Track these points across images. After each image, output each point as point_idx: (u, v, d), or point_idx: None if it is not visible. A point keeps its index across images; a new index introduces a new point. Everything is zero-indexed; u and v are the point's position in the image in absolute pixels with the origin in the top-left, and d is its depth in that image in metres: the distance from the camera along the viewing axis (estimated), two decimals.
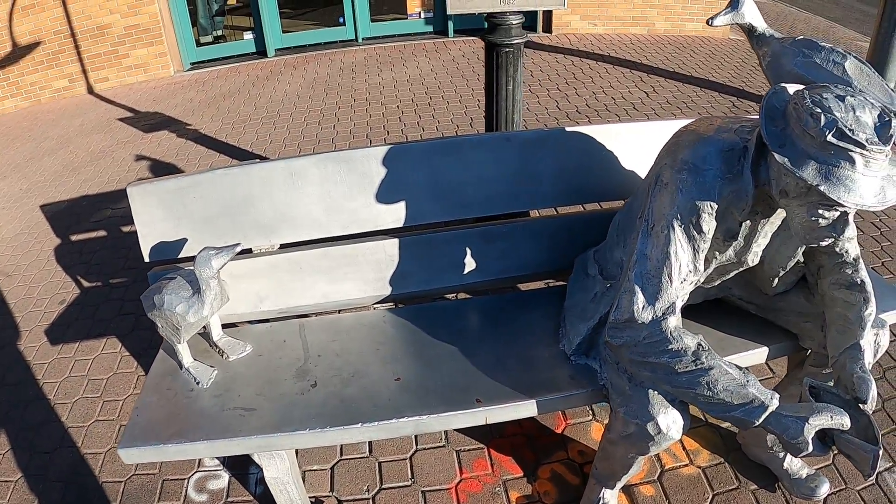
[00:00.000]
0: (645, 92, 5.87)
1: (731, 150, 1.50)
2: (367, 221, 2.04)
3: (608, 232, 2.03)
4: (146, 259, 2.10)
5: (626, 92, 5.83)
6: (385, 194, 2.01)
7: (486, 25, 2.69)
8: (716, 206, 1.50)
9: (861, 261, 1.69)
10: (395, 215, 2.04)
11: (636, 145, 2.15)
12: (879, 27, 5.26)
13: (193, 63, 7.37)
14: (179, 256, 2.11)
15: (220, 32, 7.83)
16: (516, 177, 2.06)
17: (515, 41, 2.61)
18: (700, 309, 2.01)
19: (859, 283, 1.66)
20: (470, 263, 2.13)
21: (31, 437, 2.65)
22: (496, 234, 2.12)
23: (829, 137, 1.26)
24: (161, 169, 4.88)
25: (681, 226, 1.54)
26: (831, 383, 1.62)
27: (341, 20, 7.51)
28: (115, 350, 3.11)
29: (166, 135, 5.56)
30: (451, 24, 7.55)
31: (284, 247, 2.14)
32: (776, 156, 1.33)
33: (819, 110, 1.28)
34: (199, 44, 7.47)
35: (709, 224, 1.54)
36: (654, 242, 1.58)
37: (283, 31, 7.54)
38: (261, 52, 7.46)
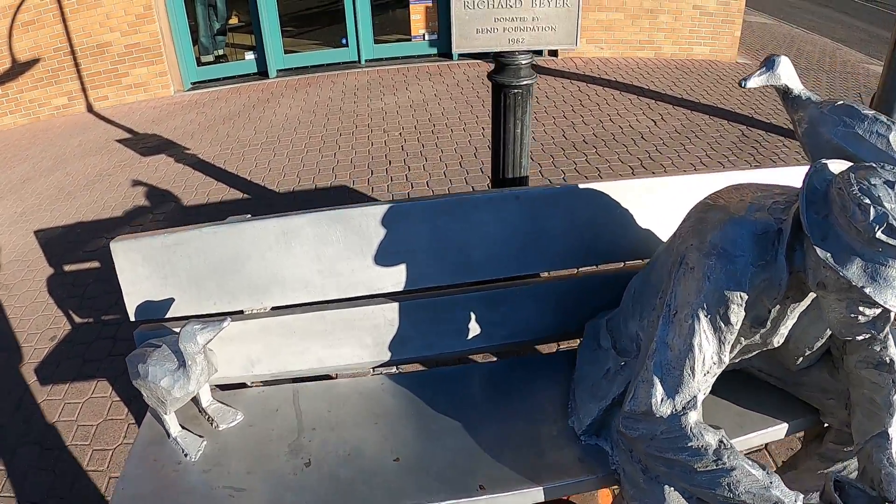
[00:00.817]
0: (653, 120, 5.77)
1: (764, 233, 1.37)
2: (365, 284, 1.93)
3: (622, 299, 1.91)
4: (131, 318, 1.98)
5: (633, 120, 5.73)
6: (384, 256, 1.89)
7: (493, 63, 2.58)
8: (746, 297, 1.38)
9: (890, 337, 1.57)
10: (394, 278, 1.93)
11: (651, 202, 2.04)
12: (893, 55, 5.13)
13: (194, 83, 7.29)
14: (167, 317, 1.99)
15: (221, 52, 7.76)
16: (524, 237, 1.95)
17: (524, 82, 2.50)
18: (717, 379, 1.89)
19: (888, 362, 1.53)
20: (473, 328, 2.01)
21: (18, 484, 2.53)
22: (500, 298, 2.00)
23: (879, 234, 1.14)
24: (158, 196, 4.77)
25: (707, 316, 1.42)
26: (853, 464, 1.50)
27: (344, 41, 7.44)
28: (105, 394, 3.00)
29: (164, 159, 5.47)
30: None
31: (277, 308, 2.02)
32: (818, 250, 1.21)
33: (867, 201, 1.16)
34: (200, 63, 7.40)
35: (737, 315, 1.41)
36: (677, 331, 1.46)
37: (286, 52, 7.46)
38: (262, 72, 7.38)
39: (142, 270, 1.94)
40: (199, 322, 1.64)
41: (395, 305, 1.96)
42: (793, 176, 2.11)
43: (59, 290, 3.81)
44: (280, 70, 7.40)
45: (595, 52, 7.56)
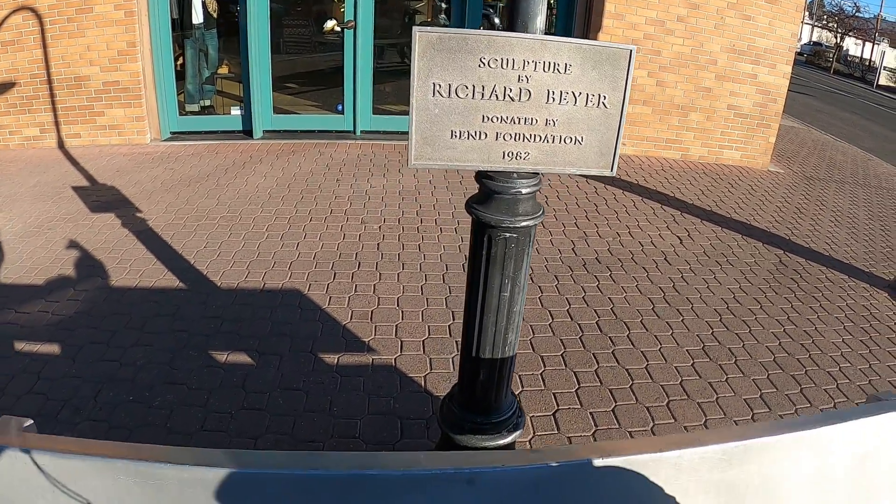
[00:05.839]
0: (678, 237, 4.93)
1: None
2: None
3: None
4: None
5: (655, 236, 4.89)
6: None
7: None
8: None
9: None
10: None
11: (724, 487, 1.14)
12: None
13: (174, 132, 6.58)
14: None
15: (208, 102, 7.10)
16: None
17: (523, 223, 1.64)
18: None
19: None
20: None
21: None
22: None
23: None
24: (87, 267, 3.99)
25: None
26: None
27: (340, 108, 6.70)
28: None
29: (111, 220, 4.69)
30: None
31: None
32: None
33: None
34: (183, 111, 6.69)
35: None
36: None
37: (276, 111, 6.74)
38: (247, 131, 6.64)
39: None
40: None
41: None
42: None
43: None
44: (266, 131, 6.65)
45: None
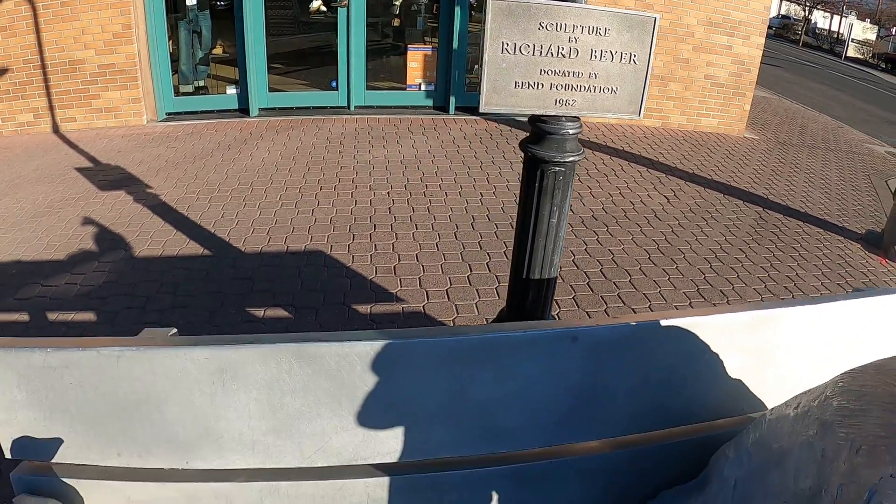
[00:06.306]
0: (665, 197, 5.26)
1: None
2: (341, 452, 1.29)
3: (706, 484, 1.33)
4: (6, 454, 1.33)
5: (644, 196, 5.21)
6: (372, 414, 1.26)
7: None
8: None
9: None
10: (386, 446, 1.29)
11: (752, 345, 1.45)
12: None
13: (169, 113, 6.70)
14: (55, 461, 1.34)
15: (202, 83, 7.21)
16: (578, 396, 1.33)
17: (570, 158, 1.92)
18: None
19: None
20: None
21: None
22: (536, 474, 1.38)
23: None
24: (107, 240, 4.11)
25: None
26: None
27: (334, 84, 6.90)
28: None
29: (122, 196, 4.83)
30: (452, 101, 6.96)
31: (209, 471, 1.36)
32: None
33: None
34: (178, 92, 6.82)
35: None
36: None
37: (270, 90, 6.90)
38: (243, 109, 6.81)
39: (18, 395, 1.29)
40: None
41: (385, 481, 1.32)
42: None
43: None
44: (262, 109, 6.83)
45: (600, 118, 7.10)
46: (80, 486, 1.35)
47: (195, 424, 1.29)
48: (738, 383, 1.49)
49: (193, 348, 1.23)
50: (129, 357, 1.25)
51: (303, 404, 1.25)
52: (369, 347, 1.25)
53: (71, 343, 1.29)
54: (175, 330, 1.57)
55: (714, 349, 1.41)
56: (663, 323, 1.34)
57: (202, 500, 1.35)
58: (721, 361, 1.44)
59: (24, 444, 1.33)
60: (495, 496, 1.37)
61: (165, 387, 1.26)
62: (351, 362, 1.26)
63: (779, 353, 1.48)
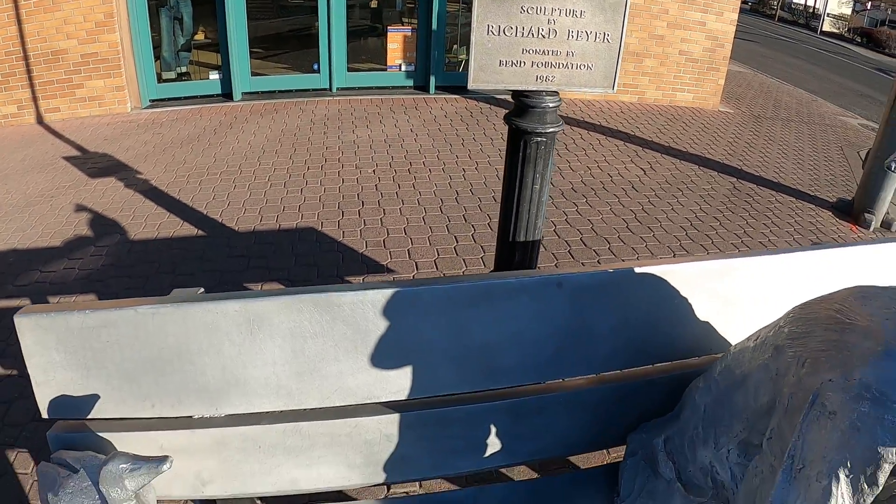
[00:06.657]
0: (642, 169, 5.45)
1: None
2: (356, 391, 1.45)
3: (681, 413, 1.51)
4: (43, 414, 1.47)
5: (622, 168, 5.39)
6: (384, 356, 1.42)
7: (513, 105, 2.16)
8: None
9: None
10: (396, 384, 1.46)
11: (721, 289, 1.62)
12: (891, 113, 4.92)
13: (153, 100, 6.75)
14: (90, 417, 1.48)
15: (184, 69, 7.25)
16: (565, 336, 1.50)
17: (550, 129, 2.08)
18: None
19: None
20: (493, 444, 1.56)
21: None
22: (530, 407, 1.55)
23: None
24: (102, 226, 4.21)
25: (849, 476, 1.01)
26: None
27: (316, 67, 6.99)
28: (26, 471, 2.41)
29: (113, 183, 4.91)
30: (432, 80, 7.07)
31: (236, 416, 1.52)
32: None
33: None
34: (160, 79, 6.86)
35: (885, 475, 1.01)
36: (804, 493, 1.04)
37: (253, 74, 6.97)
38: (227, 94, 6.87)
39: (56, 356, 1.43)
40: (128, 459, 1.14)
41: (395, 417, 1.49)
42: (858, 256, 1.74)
43: None
44: (245, 93, 6.91)
45: (577, 94, 7.26)
46: (115, 438, 1.47)
47: (224, 373, 1.44)
48: (708, 325, 1.67)
49: (225, 302, 1.38)
50: (164, 314, 1.40)
51: (322, 348, 1.41)
52: (381, 295, 1.40)
53: (109, 305, 1.42)
54: (202, 289, 1.71)
55: (685, 294, 1.59)
56: (638, 270, 1.51)
57: (230, 443, 1.50)
58: (692, 305, 1.62)
59: (60, 403, 1.46)
60: (493, 428, 1.54)
61: (198, 339, 1.41)
62: (364, 309, 1.42)
63: (744, 298, 1.65)
